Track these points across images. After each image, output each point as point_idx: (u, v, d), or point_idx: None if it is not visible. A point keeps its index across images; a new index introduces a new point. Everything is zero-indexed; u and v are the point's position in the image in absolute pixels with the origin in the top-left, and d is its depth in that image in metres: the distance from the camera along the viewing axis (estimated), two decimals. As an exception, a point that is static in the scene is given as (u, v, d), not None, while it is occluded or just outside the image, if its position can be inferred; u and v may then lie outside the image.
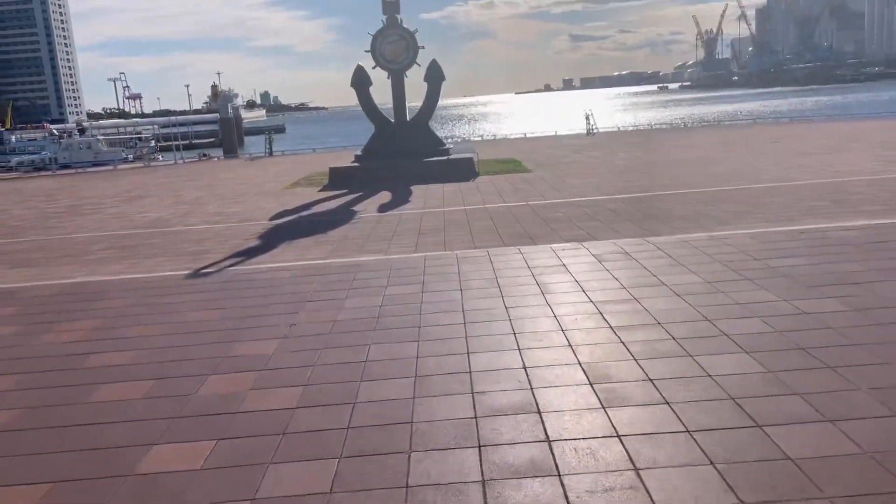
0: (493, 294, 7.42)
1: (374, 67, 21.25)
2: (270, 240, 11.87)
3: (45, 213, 18.48)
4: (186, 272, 9.60)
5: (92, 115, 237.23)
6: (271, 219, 14.42)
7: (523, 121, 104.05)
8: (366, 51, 21.17)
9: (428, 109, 21.70)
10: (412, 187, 18.32)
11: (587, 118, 36.05)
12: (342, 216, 14.17)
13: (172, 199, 19.49)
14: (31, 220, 16.94)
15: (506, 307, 6.93)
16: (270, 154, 38.83)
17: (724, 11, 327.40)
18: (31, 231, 15.13)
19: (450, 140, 48.29)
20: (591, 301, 6.95)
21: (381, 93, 23.27)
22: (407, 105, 21.88)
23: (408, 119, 21.75)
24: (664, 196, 13.75)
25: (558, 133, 46.29)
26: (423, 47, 21.23)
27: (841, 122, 38.29)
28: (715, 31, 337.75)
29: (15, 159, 72.06)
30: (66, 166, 69.41)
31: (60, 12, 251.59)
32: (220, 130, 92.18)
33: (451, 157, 20.55)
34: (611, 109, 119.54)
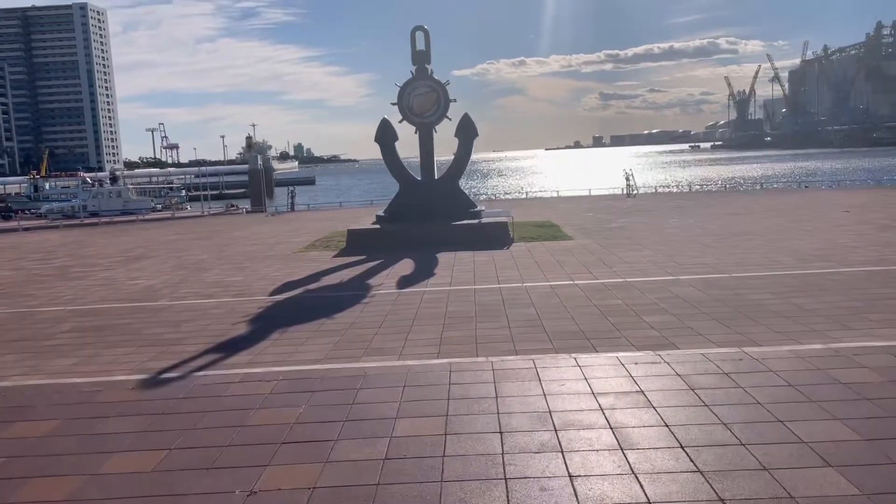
0: (547, 444, 5.12)
1: (400, 121, 19.41)
2: (262, 326, 9.72)
3: (31, 275, 16.63)
4: (143, 376, 7.44)
5: (129, 164, 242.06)
6: (272, 293, 12.31)
7: (554, 177, 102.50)
8: (392, 103, 19.38)
9: (458, 167, 19.72)
10: (439, 255, 16.19)
11: (627, 178, 33.90)
12: (354, 293, 12.01)
13: (173, 263, 17.56)
14: (8, 286, 15.05)
15: (569, 474, 4.63)
16: (292, 209, 37.17)
17: (756, 72, 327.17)
18: (0, 300, 13.21)
19: (480, 197, 46.37)
20: (697, 468, 4.61)
21: (408, 147, 21.42)
22: (435, 161, 19.94)
23: (436, 177, 19.77)
24: (745, 280, 11.38)
25: (593, 192, 44.18)
26: (454, 100, 19.40)
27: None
28: (747, 91, 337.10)
29: (45, 206, 71.88)
30: (95, 214, 69.13)
31: (104, 64, 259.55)
32: (248, 182, 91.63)
33: (483, 220, 18.44)
34: (644, 167, 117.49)
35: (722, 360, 6.97)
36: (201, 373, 7.49)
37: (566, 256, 15.08)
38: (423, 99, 19.12)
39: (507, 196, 50.33)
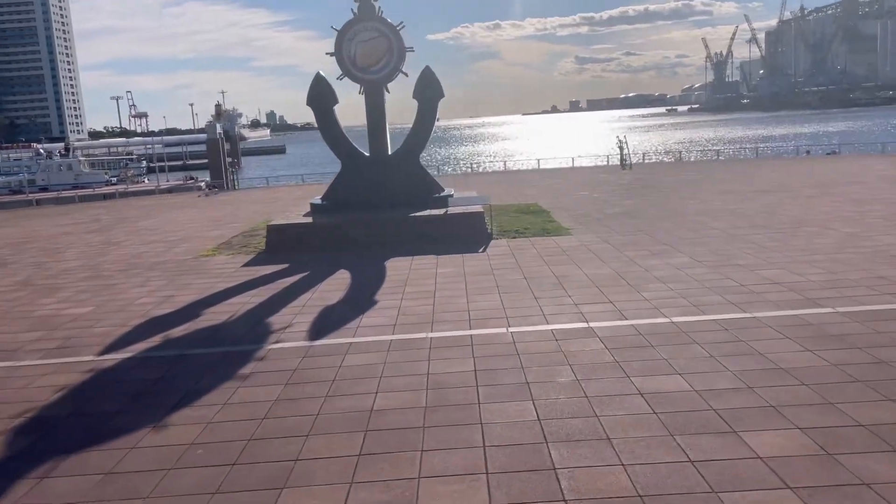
0: None
1: (340, 77, 14.63)
2: (27, 446, 5.12)
3: None
4: None
5: (94, 134, 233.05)
6: (105, 350, 7.67)
7: (536, 145, 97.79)
8: (328, 53, 14.58)
9: (418, 138, 15.02)
10: (390, 262, 11.63)
11: (621, 147, 29.33)
12: (235, 349, 7.44)
13: (24, 276, 12.80)
14: None
15: None
16: (230, 188, 32.20)
17: (733, 34, 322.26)
18: None
19: (449, 172, 41.44)
20: None
21: (356, 113, 16.69)
22: (389, 130, 15.23)
23: (389, 153, 15.07)
24: (875, 325, 6.95)
25: (582, 164, 39.57)
26: (411, 49, 14.64)
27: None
28: (724, 53, 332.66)
29: (-11, 181, 66.40)
30: (44, 189, 63.65)
31: (64, 30, 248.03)
32: (207, 153, 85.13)
33: (452, 210, 13.81)
34: (626, 132, 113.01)
35: None
36: None
37: (567, 266, 10.56)
38: (369, 47, 14.33)
39: (484, 169, 45.55)
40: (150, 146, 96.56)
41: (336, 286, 10.15)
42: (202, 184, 45.61)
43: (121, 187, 51.81)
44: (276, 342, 7.59)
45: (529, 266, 10.75)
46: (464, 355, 6.75)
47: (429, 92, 14.70)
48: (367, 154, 15.02)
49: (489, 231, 13.71)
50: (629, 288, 9.00)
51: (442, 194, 14.85)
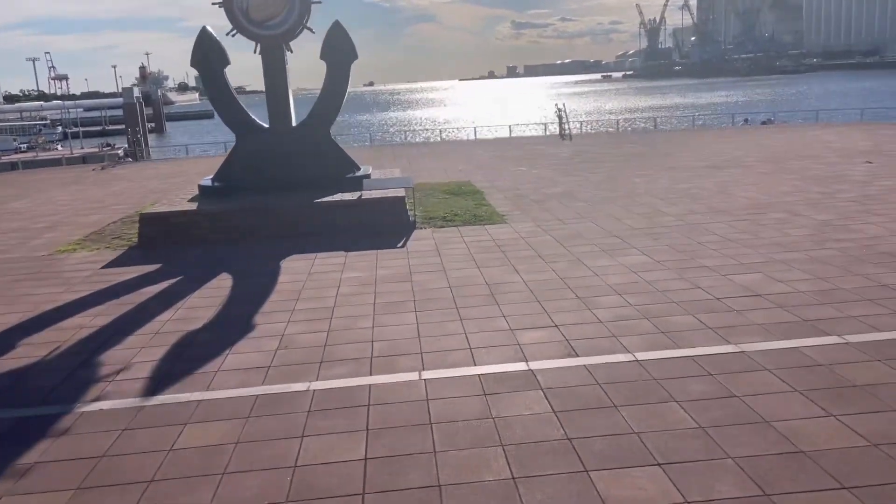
0: None
1: (231, 33, 12.19)
2: None
3: None
4: None
5: (9, 98, 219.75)
6: None
7: (473, 112, 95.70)
8: (214, 2, 12.10)
9: (327, 107, 12.75)
10: (286, 262, 9.49)
11: (560, 116, 27.50)
12: (30, 414, 5.25)
13: None
14: None
15: None
16: (136, 158, 29.07)
17: (667, 1, 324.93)
18: None
19: (368, 148, 39.04)
20: None
21: (248, 76, 14.30)
22: (297, 96, 12.91)
23: (293, 124, 12.77)
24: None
25: (519, 132, 37.72)
26: (318, 0, 12.31)
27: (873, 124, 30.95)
28: (658, 20, 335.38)
29: None
30: (-57, 158, 58.45)
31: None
32: (124, 118, 79.06)
33: (368, 194, 11.65)
34: (563, 99, 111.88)
35: None
36: None
37: (501, 268, 8.63)
38: (265, -4, 11.93)
39: (415, 140, 43.21)
40: (65, 110, 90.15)
41: (209, 299, 7.96)
42: (120, 151, 42.09)
43: (30, 155, 47.89)
44: (96, 399, 5.42)
45: (456, 268, 8.77)
46: (354, 426, 4.74)
47: (338, 52, 12.41)
48: (266, 126, 12.70)
49: (412, 219, 11.66)
50: (578, 302, 7.12)
51: (357, 174, 12.69)
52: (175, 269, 9.46)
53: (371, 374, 5.62)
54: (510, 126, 39.56)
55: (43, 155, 48.40)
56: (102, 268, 9.80)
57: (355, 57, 12.56)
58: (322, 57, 12.45)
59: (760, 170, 15.79)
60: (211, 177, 12.83)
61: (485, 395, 5.13)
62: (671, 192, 13.46)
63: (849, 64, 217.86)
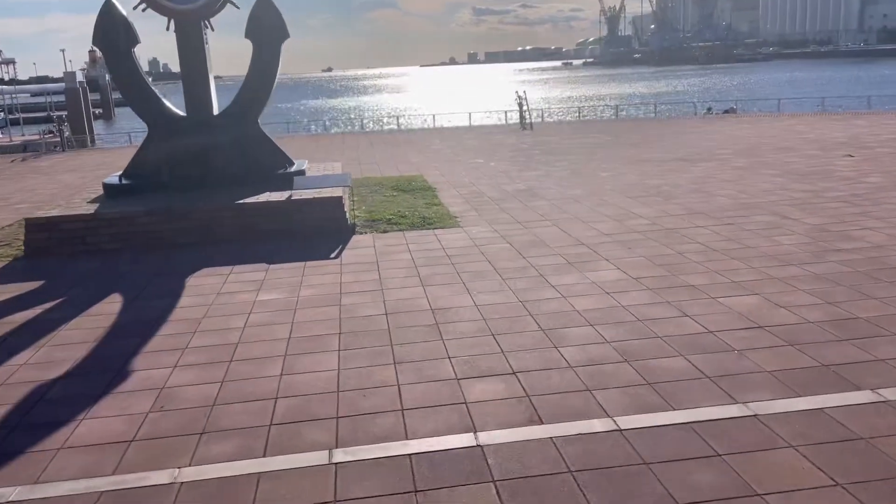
0: None
1: (140, 7, 10.48)
2: None
3: None
4: None
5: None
6: None
7: (432, 98, 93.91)
8: (117, -29, 10.38)
9: (256, 92, 11.14)
10: (194, 278, 7.94)
11: (520, 104, 26.14)
12: None
13: None
14: None
15: None
16: (65, 147, 26.93)
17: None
18: None
19: (325, 133, 37.23)
20: None
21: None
22: (213, 83, 11.27)
23: (215, 111, 11.14)
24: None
25: (477, 121, 36.28)
26: (241, -31, 10.68)
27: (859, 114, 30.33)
28: (617, 7, 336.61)
29: None
30: None
31: None
32: (66, 104, 75.25)
33: (299, 194, 10.09)
34: (524, 86, 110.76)
35: None
36: None
37: (449, 288, 7.21)
38: (177, -37, 10.24)
39: (368, 128, 41.49)
40: (8, 95, 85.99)
41: (86, 332, 6.39)
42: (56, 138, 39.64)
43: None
44: None
45: (396, 286, 7.33)
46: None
47: (267, 29, 10.81)
48: (183, 114, 11.04)
49: (350, 222, 10.15)
50: (541, 337, 5.75)
51: (289, 170, 11.13)
52: (57, 288, 7.84)
53: (265, 455, 4.16)
54: (469, 114, 38.13)
55: (-27, 144, 45.55)
56: (-29, 286, 8.12)
57: (286, 35, 10.97)
58: (247, 35, 10.84)
59: (736, 164, 14.64)
60: (119, 173, 11.12)
61: (415, 491, 3.72)
62: (641, 190, 12.20)
63: (804, 53, 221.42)
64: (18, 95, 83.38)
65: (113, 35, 10.49)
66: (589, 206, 10.98)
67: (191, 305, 7.03)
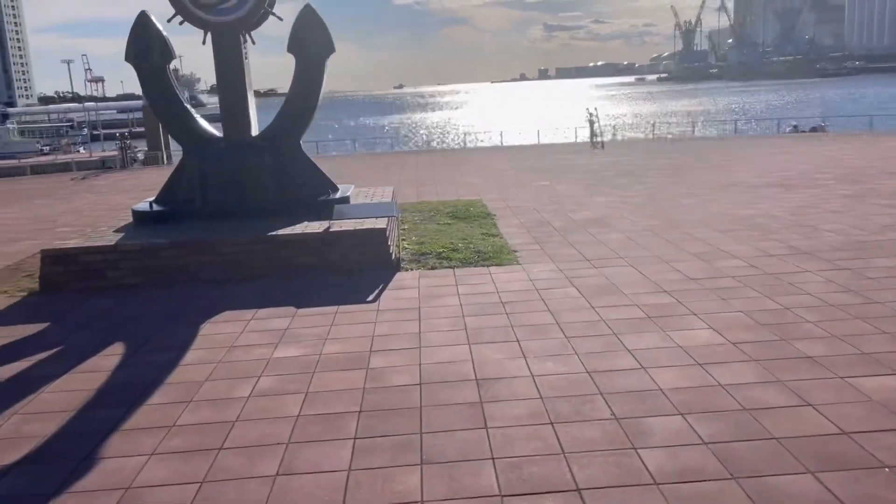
0: None
1: (176, 20, 9.67)
2: None
3: None
4: None
5: (44, 99, 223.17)
6: None
7: (502, 115, 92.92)
8: (150, -19, 9.62)
9: (299, 112, 10.18)
10: (209, 324, 6.92)
11: (591, 122, 24.67)
12: None
13: None
14: None
15: None
16: (127, 165, 26.96)
17: (703, 2, 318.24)
18: None
19: (391, 152, 36.57)
20: None
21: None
22: (253, 100, 10.39)
23: (254, 133, 10.23)
24: None
25: (546, 139, 34.90)
26: (285, -21, 9.76)
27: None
28: (693, 22, 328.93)
29: (-90, 151, 60.47)
30: (-32, 158, 57.76)
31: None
32: (143, 121, 77.52)
33: (339, 225, 9.02)
34: (595, 103, 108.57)
35: None
36: None
37: (501, 347, 5.93)
38: (214, -28, 9.40)
39: (431, 146, 40.62)
40: (92, 112, 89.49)
41: (66, 396, 5.41)
42: (140, 154, 40.50)
43: (49, 158, 46.84)
44: None
45: (436, 345, 6.11)
46: None
47: (310, 45, 9.83)
48: (219, 135, 10.17)
49: (395, 256, 9.01)
50: (615, 430, 4.41)
51: (332, 196, 10.09)
52: (58, 334, 6.95)
53: None
54: (537, 131, 36.82)
55: (62, 158, 47.02)
56: (-26, 327, 7.33)
57: (331, 50, 9.96)
58: (290, 50, 9.88)
59: (840, 191, 12.85)
60: (152, 199, 10.31)
61: None
62: (731, 221, 10.64)
63: (893, 67, 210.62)
64: (103, 112, 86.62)
65: (146, 50, 9.71)
66: (670, 241, 9.52)
67: (196, 363, 5.99)
